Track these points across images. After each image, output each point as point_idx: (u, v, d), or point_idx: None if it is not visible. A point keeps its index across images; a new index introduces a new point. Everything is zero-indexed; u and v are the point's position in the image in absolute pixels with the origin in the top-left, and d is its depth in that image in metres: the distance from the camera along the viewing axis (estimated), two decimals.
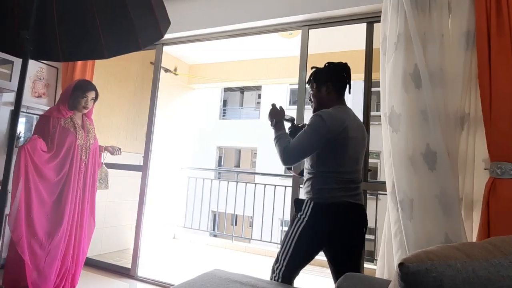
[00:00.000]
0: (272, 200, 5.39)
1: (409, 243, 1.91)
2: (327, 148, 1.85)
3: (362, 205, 1.96)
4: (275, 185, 5.48)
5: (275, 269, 1.93)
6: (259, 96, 15.78)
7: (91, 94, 2.87)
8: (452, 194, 1.86)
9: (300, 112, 2.79)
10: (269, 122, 2.10)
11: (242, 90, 17.07)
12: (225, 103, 16.93)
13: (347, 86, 2.05)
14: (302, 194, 2.03)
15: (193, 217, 5.89)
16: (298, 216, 1.91)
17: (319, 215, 1.85)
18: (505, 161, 1.75)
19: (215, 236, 7.04)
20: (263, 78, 5.45)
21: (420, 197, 1.93)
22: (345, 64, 2.06)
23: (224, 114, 16.65)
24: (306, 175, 1.99)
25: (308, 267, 1.98)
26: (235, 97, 17.47)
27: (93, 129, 2.99)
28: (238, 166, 16.40)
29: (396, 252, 2.00)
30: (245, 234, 8.96)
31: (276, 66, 5.22)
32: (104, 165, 3.10)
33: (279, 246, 1.98)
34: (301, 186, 2.54)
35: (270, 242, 5.76)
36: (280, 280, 1.88)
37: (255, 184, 5.81)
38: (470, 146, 1.95)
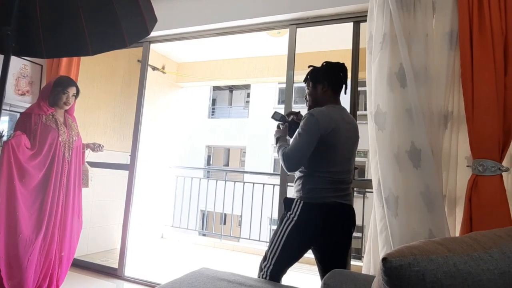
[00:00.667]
0: (260, 198, 5.40)
1: (394, 240, 1.93)
2: (318, 147, 1.85)
3: (351, 205, 1.98)
4: (264, 184, 5.49)
5: (263, 267, 1.94)
6: (248, 95, 15.77)
7: (72, 90, 2.82)
8: (436, 191, 1.89)
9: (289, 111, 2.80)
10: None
11: (231, 88, 17.05)
12: (214, 102, 16.89)
13: (343, 86, 2.06)
14: (292, 193, 2.04)
15: (182, 216, 5.87)
16: (287, 215, 1.92)
17: (309, 215, 1.86)
18: (487, 159, 1.79)
19: (203, 235, 7.02)
20: (252, 77, 5.44)
21: (405, 194, 1.95)
22: (343, 64, 2.08)
23: (213, 113, 16.61)
24: (297, 173, 2.00)
25: (295, 264, 1.99)
26: (224, 96, 17.44)
27: (76, 126, 2.95)
28: (227, 165, 16.39)
29: (382, 249, 2.03)
30: (234, 233, 8.96)
31: (264, 65, 5.22)
32: (86, 163, 3.06)
33: (268, 244, 1.99)
34: (290, 184, 2.56)
35: (259, 240, 5.77)
36: (268, 278, 1.90)
37: (244, 183, 5.82)
38: (453, 144, 1.99)
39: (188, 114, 13.96)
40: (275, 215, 3.09)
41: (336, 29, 3.00)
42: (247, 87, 15.67)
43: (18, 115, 3.33)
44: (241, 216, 6.60)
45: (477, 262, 0.82)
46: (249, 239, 5.80)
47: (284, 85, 3.05)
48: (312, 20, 2.81)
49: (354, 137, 2.02)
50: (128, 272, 3.35)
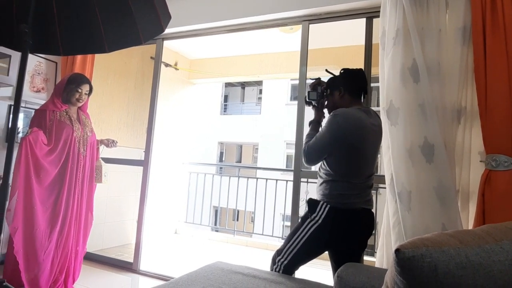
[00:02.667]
0: (273, 194, 5.42)
1: (407, 234, 1.94)
2: (345, 151, 1.85)
3: (372, 210, 1.98)
4: (277, 180, 5.51)
5: (276, 261, 1.96)
6: (260, 92, 15.76)
7: (85, 88, 2.85)
8: (449, 186, 1.89)
9: (301, 107, 2.81)
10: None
11: (243, 85, 17.06)
12: (226, 98, 16.92)
13: (362, 90, 2.04)
14: (316, 193, 2.02)
15: (195, 212, 5.93)
16: (311, 216, 1.92)
17: (334, 220, 1.86)
18: (500, 154, 1.79)
19: (216, 231, 7.08)
20: (264, 73, 5.45)
21: (418, 189, 1.96)
22: (359, 69, 2.08)
23: (225, 109, 16.65)
24: (323, 176, 1.97)
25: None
26: (236, 92, 17.46)
27: (90, 122, 3.00)
28: (239, 161, 16.43)
29: (395, 243, 2.04)
30: (247, 229, 9.00)
31: (277, 61, 5.23)
32: (100, 159, 3.11)
33: (284, 239, 2.00)
34: (303, 180, 2.57)
35: (272, 236, 5.80)
36: (281, 271, 1.93)
37: (257, 179, 5.84)
38: (466, 139, 1.99)
39: (201, 111, 14.02)
40: (288, 211, 3.10)
41: (349, 25, 2.99)
42: (259, 83, 15.65)
43: (33, 112, 3.42)
44: (253, 213, 6.62)
45: (488, 253, 0.83)
46: (262, 234, 5.83)
47: (296, 81, 3.06)
48: (325, 16, 2.81)
49: (378, 139, 2.01)
50: (143, 266, 3.42)
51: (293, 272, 1.96)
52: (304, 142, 1.98)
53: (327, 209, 1.87)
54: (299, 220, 2.00)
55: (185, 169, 5.92)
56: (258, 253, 4.96)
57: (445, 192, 1.89)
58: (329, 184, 1.92)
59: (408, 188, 1.98)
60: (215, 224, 9.17)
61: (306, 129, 2.76)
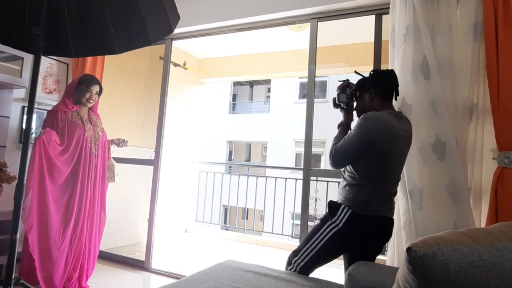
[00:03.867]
0: (282, 193, 5.42)
1: (418, 232, 1.93)
2: (371, 156, 1.79)
3: (393, 218, 1.93)
4: (286, 178, 5.50)
5: (293, 262, 1.94)
6: (269, 90, 15.75)
7: (95, 88, 2.90)
8: (461, 184, 1.88)
9: (310, 105, 2.81)
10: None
11: (251, 84, 17.05)
12: (234, 97, 16.93)
13: (393, 92, 1.96)
14: (338, 195, 1.98)
15: (205, 211, 5.95)
16: (332, 219, 1.87)
17: (355, 226, 1.82)
18: None
19: (226, 229, 7.10)
20: (272, 72, 5.45)
21: (430, 187, 1.94)
22: (391, 70, 2.00)
23: (233, 108, 16.66)
24: (347, 179, 1.91)
25: None
26: (245, 91, 17.46)
27: (100, 122, 3.04)
28: (248, 160, 16.44)
29: (406, 241, 2.03)
30: (257, 228, 9.02)
31: (285, 59, 5.22)
32: (111, 158, 3.14)
33: (302, 241, 1.98)
34: (313, 178, 2.57)
35: (282, 234, 5.80)
36: (297, 272, 1.90)
37: (266, 177, 5.84)
38: (478, 136, 1.96)
39: (209, 110, 14.07)
40: (298, 210, 3.11)
41: (357, 22, 2.98)
42: (267, 82, 15.64)
43: (45, 113, 3.46)
44: (263, 211, 6.63)
45: (501, 252, 0.83)
46: (272, 233, 5.84)
47: (304, 80, 3.05)
48: (333, 13, 2.80)
49: (408, 146, 1.92)
50: (154, 264, 3.45)
51: (308, 274, 1.93)
52: (331, 145, 1.91)
53: (348, 213, 1.83)
54: (318, 222, 1.96)
55: (194, 168, 5.95)
56: (268, 251, 4.97)
57: (457, 190, 1.88)
58: (353, 188, 1.86)
59: (420, 186, 1.96)
60: (225, 223, 9.22)
61: (315, 128, 2.77)
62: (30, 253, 2.55)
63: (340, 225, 1.83)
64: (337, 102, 2.08)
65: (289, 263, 1.97)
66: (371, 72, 2.00)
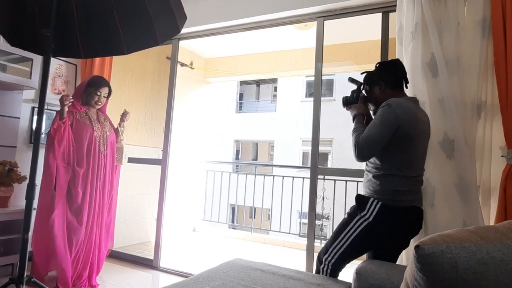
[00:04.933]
0: (290, 192, 5.42)
1: (427, 230, 1.93)
2: (397, 142, 1.74)
3: (422, 208, 1.88)
4: (293, 177, 5.50)
5: (323, 260, 1.89)
6: (275, 89, 15.74)
7: (104, 90, 2.92)
8: (470, 182, 1.87)
9: (317, 104, 2.80)
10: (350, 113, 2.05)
11: (258, 83, 17.05)
12: (241, 96, 16.94)
13: (403, 81, 1.93)
14: (363, 189, 1.94)
15: (212, 210, 5.98)
16: (361, 214, 1.82)
17: (387, 218, 1.76)
18: None
19: (234, 228, 7.12)
20: (279, 71, 5.45)
21: (439, 185, 1.93)
22: (396, 60, 1.98)
23: (240, 107, 16.68)
24: (372, 171, 1.86)
25: None
26: (251, 90, 17.46)
27: (108, 122, 3.06)
28: (255, 159, 16.46)
29: (415, 239, 2.02)
30: (264, 226, 9.03)
31: (291, 58, 5.21)
32: (122, 141, 3.13)
33: (329, 238, 1.92)
34: (320, 177, 2.56)
35: (289, 233, 5.80)
36: (329, 270, 1.86)
37: (273, 176, 5.85)
38: (487, 133, 1.95)
39: (216, 109, 14.09)
40: (305, 209, 3.11)
41: (364, 20, 2.97)
42: (274, 81, 15.63)
43: (55, 113, 3.50)
44: (270, 210, 6.64)
45: (510, 249, 0.82)
46: (279, 231, 5.84)
47: (311, 78, 3.05)
48: (340, 12, 2.79)
49: (429, 132, 1.89)
50: (163, 263, 3.47)
51: (339, 271, 1.88)
52: (353, 137, 1.84)
53: (378, 206, 1.77)
54: (346, 217, 1.90)
55: (202, 168, 5.97)
56: (276, 250, 4.98)
57: (465, 188, 1.87)
58: (380, 179, 1.81)
59: (433, 183, 1.96)
60: (233, 222, 9.25)
61: (322, 126, 2.76)
62: (40, 253, 2.59)
63: (370, 218, 1.78)
64: (347, 103, 2.07)
65: (319, 261, 1.92)
66: (377, 65, 1.98)
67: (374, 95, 1.96)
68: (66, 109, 2.67)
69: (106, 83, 2.97)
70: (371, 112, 2.03)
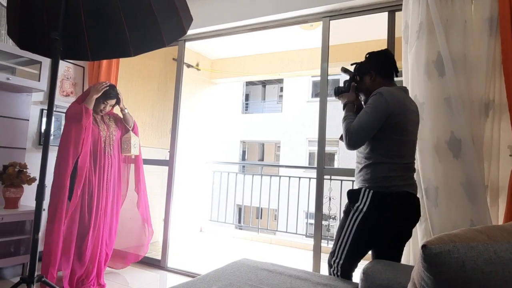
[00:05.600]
0: (296, 192, 5.42)
1: (434, 230, 1.92)
2: (387, 130, 1.75)
3: (418, 196, 1.87)
4: (300, 177, 5.50)
5: (332, 262, 1.87)
6: (281, 89, 15.73)
7: (111, 102, 2.96)
8: (477, 181, 1.86)
9: (323, 104, 2.80)
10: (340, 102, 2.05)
11: (264, 83, 17.04)
12: (247, 97, 16.95)
13: (393, 70, 1.94)
14: (355, 183, 1.93)
15: (219, 211, 5.99)
16: (355, 207, 1.81)
17: (380, 205, 1.75)
18: None
19: (240, 228, 7.12)
20: (285, 71, 5.44)
21: (445, 184, 1.93)
22: (385, 49, 2.00)
23: (246, 108, 16.68)
24: (362, 161, 1.87)
25: None
26: (257, 91, 17.46)
27: (113, 122, 3.08)
28: (262, 159, 16.46)
29: (422, 239, 2.02)
30: (271, 227, 9.03)
31: (297, 59, 5.21)
32: (130, 132, 3.15)
33: (334, 240, 1.91)
34: (326, 177, 2.56)
35: (296, 233, 5.80)
36: (339, 273, 1.83)
37: (280, 177, 5.85)
38: (495, 133, 1.94)
39: (222, 110, 14.11)
40: (312, 209, 3.11)
41: (370, 19, 2.96)
42: (280, 81, 15.61)
43: (63, 115, 3.53)
44: (277, 210, 6.64)
45: None
46: (286, 232, 5.84)
47: (317, 78, 3.04)
48: (346, 11, 2.79)
49: (418, 121, 1.89)
50: (170, 263, 3.50)
51: (351, 272, 1.85)
52: (344, 125, 1.84)
53: (370, 194, 1.77)
54: (342, 216, 1.90)
55: (208, 168, 5.99)
56: (282, 250, 4.98)
57: (473, 188, 1.86)
58: (370, 168, 1.81)
59: (435, 183, 1.95)
60: (239, 222, 9.25)
61: (329, 126, 2.76)
62: (49, 252, 2.62)
63: (364, 209, 1.77)
64: (338, 92, 2.08)
65: (329, 265, 1.90)
66: (367, 55, 1.99)
67: (365, 84, 1.97)
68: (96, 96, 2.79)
69: (115, 96, 2.97)
70: (362, 103, 2.02)
